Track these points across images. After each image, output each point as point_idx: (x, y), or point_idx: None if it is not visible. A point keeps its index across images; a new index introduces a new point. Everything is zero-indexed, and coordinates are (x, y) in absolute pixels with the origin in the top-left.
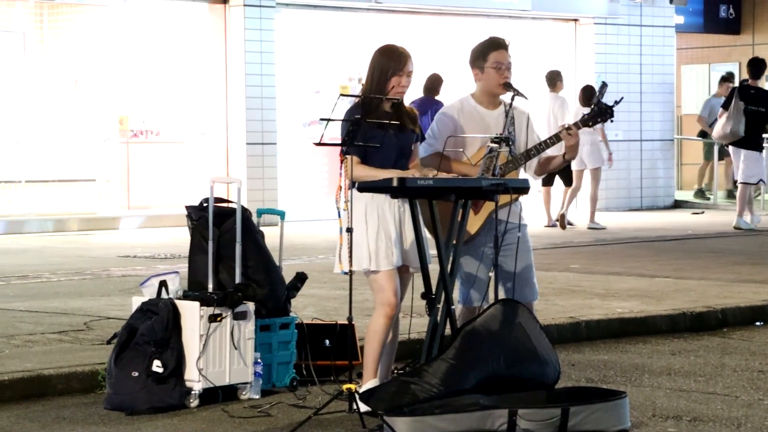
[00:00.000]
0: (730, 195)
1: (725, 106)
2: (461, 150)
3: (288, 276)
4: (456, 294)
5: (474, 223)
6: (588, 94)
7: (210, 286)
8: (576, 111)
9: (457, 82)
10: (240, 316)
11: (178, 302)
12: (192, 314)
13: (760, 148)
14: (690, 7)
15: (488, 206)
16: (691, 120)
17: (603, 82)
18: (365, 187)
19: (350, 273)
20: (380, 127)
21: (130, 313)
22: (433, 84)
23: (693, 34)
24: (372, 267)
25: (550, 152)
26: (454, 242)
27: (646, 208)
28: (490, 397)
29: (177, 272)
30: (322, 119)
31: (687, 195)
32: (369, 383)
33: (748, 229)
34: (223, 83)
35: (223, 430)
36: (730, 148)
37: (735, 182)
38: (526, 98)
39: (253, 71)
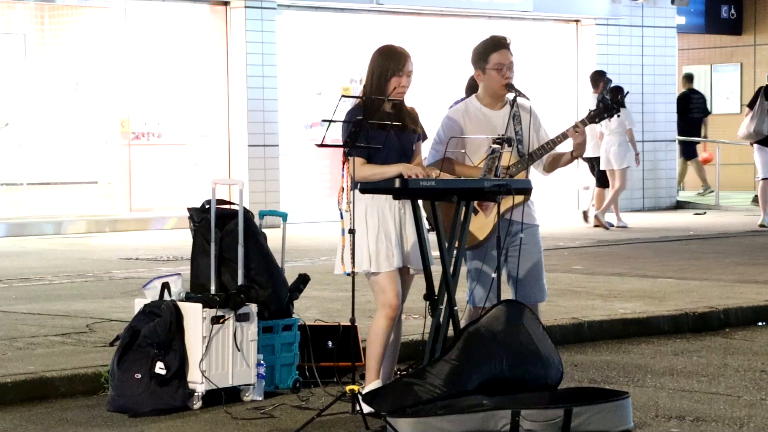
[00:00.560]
0: (756, 200)
1: (750, 105)
2: (463, 151)
3: (290, 278)
4: (464, 294)
5: (483, 227)
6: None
7: (212, 288)
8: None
9: (457, 83)
10: (243, 318)
11: (180, 304)
12: (195, 316)
13: None
14: (691, 7)
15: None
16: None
17: (608, 79)
18: (368, 188)
19: (352, 274)
20: (382, 128)
21: (133, 316)
22: (475, 83)
23: (694, 35)
24: (372, 268)
25: (559, 149)
26: (457, 244)
27: (648, 209)
28: (493, 398)
29: (179, 274)
30: (324, 120)
31: (689, 195)
32: (372, 384)
33: None
34: (225, 85)
35: (226, 431)
36: (755, 147)
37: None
38: (528, 99)
39: (255, 73)
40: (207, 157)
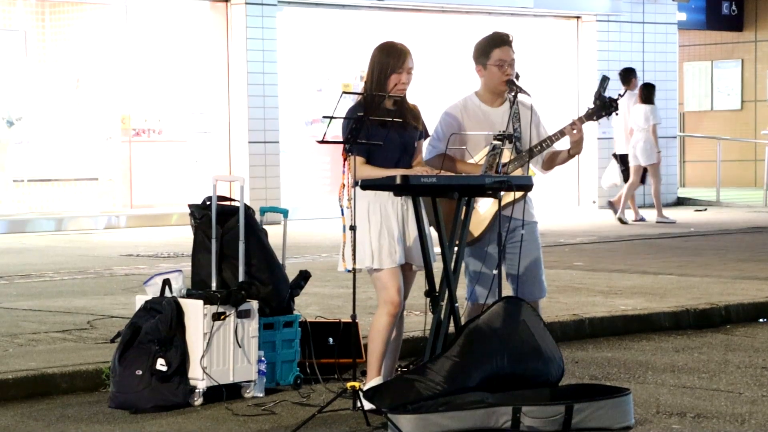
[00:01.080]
0: None
1: None
2: (464, 147)
3: (291, 274)
4: (463, 291)
5: (479, 224)
6: (647, 92)
7: (213, 285)
8: (641, 110)
9: (458, 80)
10: (243, 315)
11: (181, 301)
12: (196, 313)
13: None
14: (692, 4)
15: (495, 206)
16: (693, 117)
17: (604, 76)
18: (369, 184)
19: (354, 271)
20: (383, 125)
21: (134, 312)
22: None
23: (695, 31)
24: (375, 265)
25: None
26: (458, 240)
27: (649, 206)
28: (494, 395)
29: (180, 271)
30: (324, 117)
31: (690, 192)
32: (373, 381)
33: None
34: (225, 81)
35: (227, 428)
36: None
37: None
38: (529, 95)
39: (255, 69)
40: (208, 154)
